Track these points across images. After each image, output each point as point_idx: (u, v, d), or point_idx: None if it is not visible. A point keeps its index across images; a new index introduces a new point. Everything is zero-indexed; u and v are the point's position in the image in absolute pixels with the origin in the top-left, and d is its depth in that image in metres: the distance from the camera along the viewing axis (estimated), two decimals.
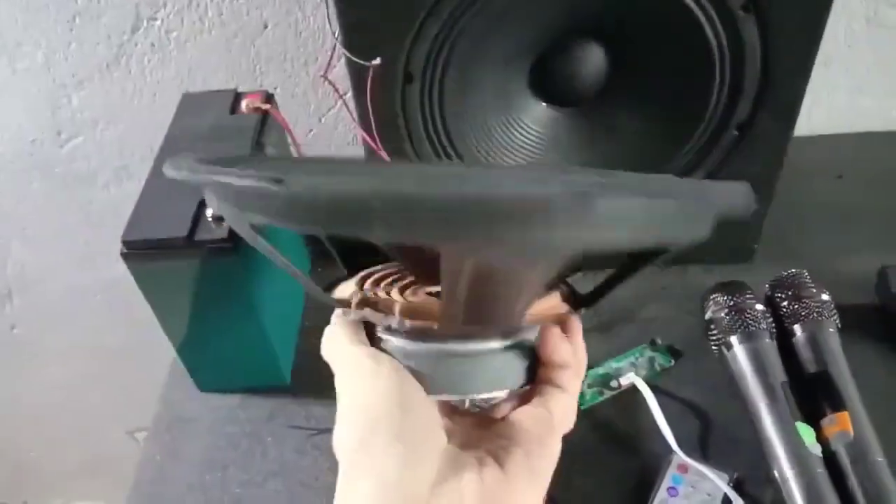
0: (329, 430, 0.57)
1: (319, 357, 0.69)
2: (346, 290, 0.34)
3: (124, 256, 0.50)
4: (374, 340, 0.32)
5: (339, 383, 0.31)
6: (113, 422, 1.19)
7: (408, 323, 0.31)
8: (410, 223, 0.24)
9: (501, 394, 0.33)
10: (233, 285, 0.52)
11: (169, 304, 0.54)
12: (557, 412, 0.32)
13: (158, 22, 0.72)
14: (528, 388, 0.33)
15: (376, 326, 0.33)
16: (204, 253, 0.49)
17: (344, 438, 0.30)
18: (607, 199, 0.24)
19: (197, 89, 0.75)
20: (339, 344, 0.32)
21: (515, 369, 0.33)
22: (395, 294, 0.33)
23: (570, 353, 0.33)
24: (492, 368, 0.32)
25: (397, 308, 0.31)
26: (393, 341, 0.32)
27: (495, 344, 0.32)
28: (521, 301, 0.30)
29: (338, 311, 0.34)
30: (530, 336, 0.33)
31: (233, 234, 0.49)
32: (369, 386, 0.30)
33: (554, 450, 0.32)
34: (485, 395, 0.32)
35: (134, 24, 0.72)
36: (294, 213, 0.25)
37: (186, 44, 0.73)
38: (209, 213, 0.50)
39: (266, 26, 0.72)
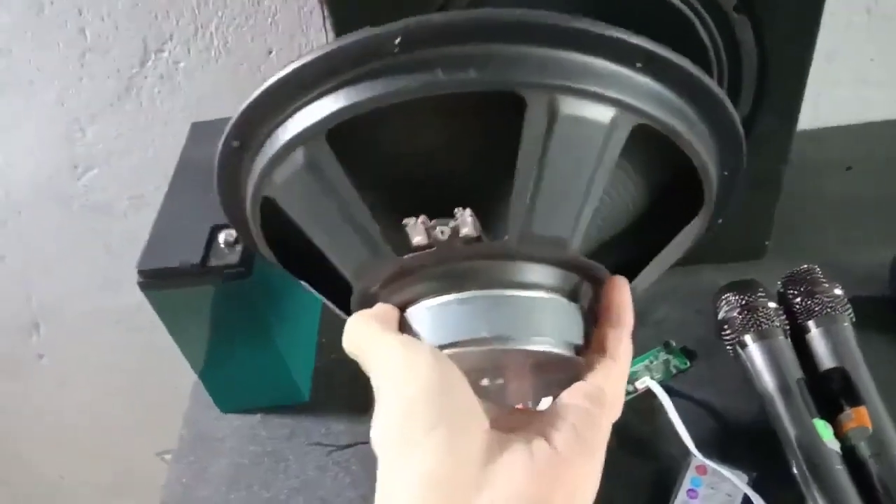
0: (348, 446, 0.58)
1: (337, 373, 0.69)
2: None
3: (140, 285, 0.51)
4: (405, 329, 0.31)
5: (374, 375, 0.30)
6: (141, 444, 1.21)
7: (477, 224, 0.30)
8: (517, 60, 0.28)
9: (557, 350, 0.31)
10: (247, 308, 0.53)
11: (187, 330, 0.55)
12: (609, 388, 0.31)
13: (166, 54, 0.73)
14: (580, 358, 0.32)
15: (407, 307, 0.32)
16: (218, 278, 0.50)
17: (383, 430, 0.28)
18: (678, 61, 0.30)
19: (206, 117, 0.76)
20: (369, 334, 0.31)
21: (572, 323, 0.32)
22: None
23: (631, 307, 0.33)
24: (546, 316, 0.31)
25: (467, 212, 0.30)
26: (434, 301, 0.31)
27: (546, 294, 0.31)
28: (588, 200, 0.30)
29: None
30: (579, 301, 0.33)
31: (245, 258, 0.51)
32: (406, 373, 0.28)
33: (605, 426, 0.30)
34: (540, 347, 0.30)
35: (142, 57, 0.73)
36: (407, 62, 0.28)
37: (194, 73, 0.75)
38: (221, 238, 0.51)
39: (271, 52, 0.74)
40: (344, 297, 0.35)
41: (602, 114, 0.29)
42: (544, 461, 0.27)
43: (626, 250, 0.37)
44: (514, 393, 0.36)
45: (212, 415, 0.63)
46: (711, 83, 0.31)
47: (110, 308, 0.99)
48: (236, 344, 0.56)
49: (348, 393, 0.61)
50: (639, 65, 0.29)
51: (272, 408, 0.62)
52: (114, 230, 0.89)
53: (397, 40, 0.27)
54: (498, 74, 0.28)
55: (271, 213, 0.35)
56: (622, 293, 0.33)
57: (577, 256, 0.32)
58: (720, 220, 0.38)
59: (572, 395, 0.30)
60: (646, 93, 0.30)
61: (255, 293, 0.52)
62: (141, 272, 0.51)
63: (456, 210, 0.30)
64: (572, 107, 0.28)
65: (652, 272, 0.37)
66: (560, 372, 0.33)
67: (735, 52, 0.52)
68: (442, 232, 0.30)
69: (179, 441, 0.62)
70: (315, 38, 0.72)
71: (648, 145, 0.31)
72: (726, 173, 0.35)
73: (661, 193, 0.37)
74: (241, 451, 0.60)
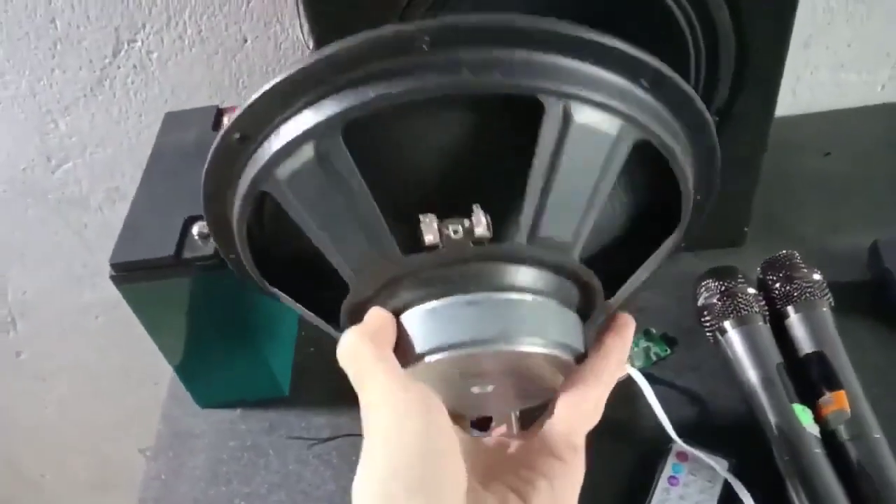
0: (329, 439, 0.58)
1: (317, 366, 0.68)
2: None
3: (113, 279, 0.50)
4: (401, 351, 0.31)
5: (365, 413, 0.29)
6: (124, 440, 1.20)
7: (490, 224, 0.30)
8: (538, 67, 0.29)
9: (559, 354, 0.31)
10: (223, 301, 0.52)
11: (162, 324, 0.54)
12: (583, 426, 0.32)
13: (139, 43, 0.72)
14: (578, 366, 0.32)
15: (404, 311, 0.31)
16: (192, 271, 0.50)
17: (365, 484, 0.28)
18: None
19: (181, 107, 0.75)
20: (363, 361, 0.30)
21: (575, 331, 0.32)
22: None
23: (627, 347, 0.34)
24: (551, 320, 0.31)
25: (481, 212, 0.30)
26: (435, 304, 0.31)
27: (549, 300, 0.32)
28: (592, 207, 0.31)
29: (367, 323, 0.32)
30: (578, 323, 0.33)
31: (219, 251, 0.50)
32: (396, 428, 0.28)
33: (578, 471, 0.32)
34: (546, 350, 0.31)
35: (115, 47, 0.72)
36: (435, 61, 0.28)
37: (168, 63, 0.73)
38: (195, 230, 0.50)
39: (246, 40, 0.73)
40: (326, 308, 0.35)
41: (610, 125, 0.30)
42: None
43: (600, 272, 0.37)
44: (499, 402, 0.35)
45: (190, 410, 0.62)
46: (705, 109, 0.33)
47: (89, 303, 0.98)
48: (213, 338, 0.56)
49: (328, 386, 0.60)
50: (645, 84, 0.30)
51: (251, 402, 0.62)
52: (90, 224, 0.88)
53: (427, 38, 0.28)
54: (521, 79, 0.29)
55: (252, 222, 0.35)
56: (624, 321, 0.35)
57: (578, 264, 0.32)
58: (683, 245, 0.39)
59: (550, 434, 0.32)
60: (650, 110, 0.31)
61: (231, 286, 0.51)
62: (113, 265, 0.50)
63: (473, 206, 0.30)
64: (585, 115, 0.30)
65: (626, 291, 0.38)
66: (553, 378, 0.33)
67: (713, 37, 0.51)
68: (455, 231, 0.30)
69: (157, 437, 0.61)
70: (290, 25, 0.71)
71: (641, 166, 0.33)
72: (699, 197, 0.36)
73: (637, 218, 0.38)
74: (220, 447, 0.60)
